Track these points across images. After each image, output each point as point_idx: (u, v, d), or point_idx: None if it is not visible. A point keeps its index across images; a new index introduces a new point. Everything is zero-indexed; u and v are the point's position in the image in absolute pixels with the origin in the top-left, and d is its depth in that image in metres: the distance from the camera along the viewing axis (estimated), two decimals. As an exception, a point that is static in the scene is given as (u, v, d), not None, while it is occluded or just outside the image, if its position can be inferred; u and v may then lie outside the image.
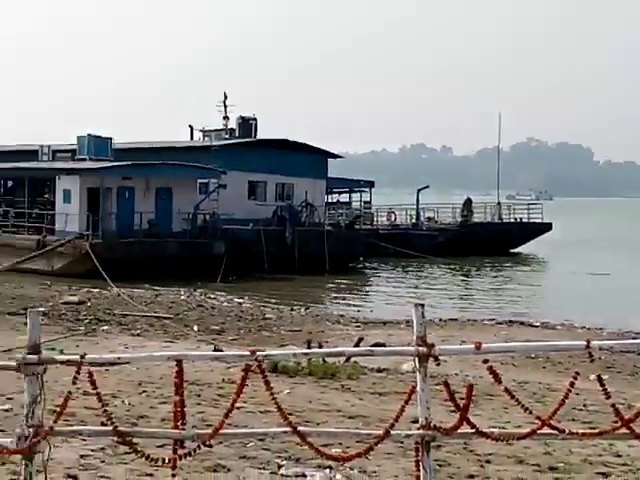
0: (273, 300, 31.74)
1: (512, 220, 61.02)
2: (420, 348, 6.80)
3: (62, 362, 6.60)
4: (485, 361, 6.85)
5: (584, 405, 12.26)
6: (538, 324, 26.10)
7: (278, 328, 23.60)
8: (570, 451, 9.49)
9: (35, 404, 6.41)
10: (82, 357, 6.47)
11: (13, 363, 6.56)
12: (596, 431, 7.18)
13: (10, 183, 48.44)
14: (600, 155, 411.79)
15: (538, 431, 6.88)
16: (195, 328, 22.62)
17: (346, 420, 11.01)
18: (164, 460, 6.68)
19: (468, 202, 59.74)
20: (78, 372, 6.40)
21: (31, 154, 46.53)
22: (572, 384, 6.84)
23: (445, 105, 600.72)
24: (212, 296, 31.59)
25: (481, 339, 7.91)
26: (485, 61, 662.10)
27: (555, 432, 6.91)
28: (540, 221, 60.66)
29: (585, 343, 6.84)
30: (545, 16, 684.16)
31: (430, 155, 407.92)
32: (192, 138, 52.43)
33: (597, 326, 25.59)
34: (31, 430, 6.42)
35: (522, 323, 26.41)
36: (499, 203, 62.18)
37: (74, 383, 6.38)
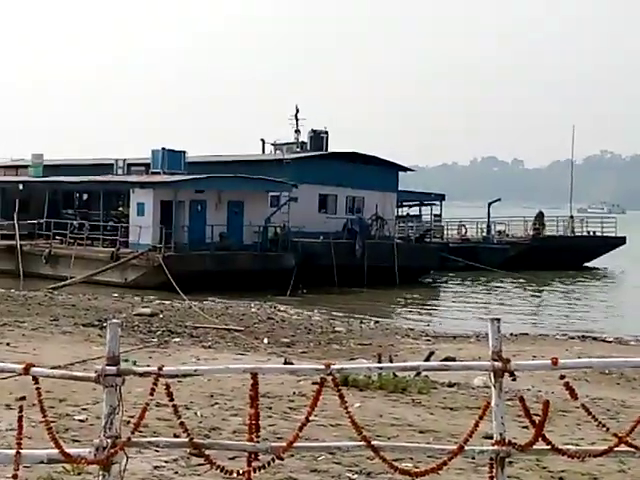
0: (342, 313, 31.76)
1: (585, 234, 60.23)
2: (496, 363, 6.76)
3: (141, 374, 6.70)
4: (562, 377, 6.78)
5: (660, 423, 12.01)
6: (612, 339, 25.68)
7: (348, 341, 23.58)
8: (646, 469, 9.32)
9: (113, 415, 6.51)
10: (160, 369, 6.55)
11: (92, 374, 6.66)
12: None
13: (85, 196, 49.33)
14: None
15: (615, 448, 6.79)
16: (265, 341, 22.72)
17: (417, 435, 10.96)
18: (239, 472, 6.73)
19: (540, 215, 59.19)
20: (155, 384, 6.49)
21: (106, 167, 47.33)
22: (650, 401, 6.74)
23: (517, 118, 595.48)
24: (282, 309, 31.71)
25: (553, 354, 7.84)
26: (557, 74, 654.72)
27: (632, 450, 6.80)
28: (614, 235, 59.78)
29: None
30: (615, 32, 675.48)
31: (501, 168, 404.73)
32: (264, 151, 52.89)
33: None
34: (109, 441, 6.52)
35: (595, 338, 26.00)
36: (572, 216, 61.44)
37: (152, 394, 6.47)
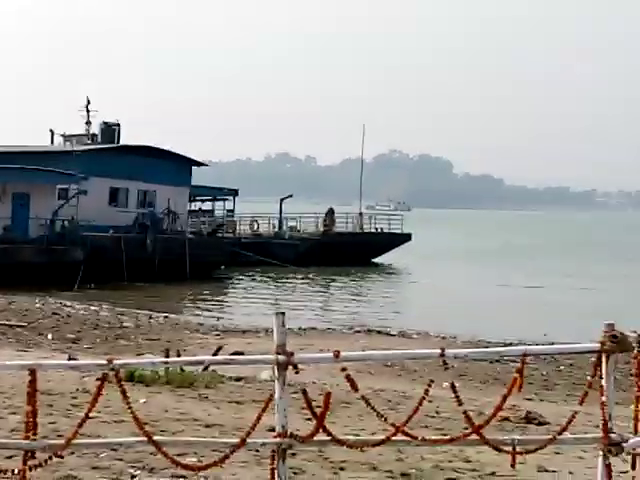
0: (131, 308, 31.30)
1: (373, 230, 61.99)
2: (279, 356, 6.82)
3: None
4: (343, 369, 6.92)
5: (437, 412, 12.51)
6: (395, 333, 26.55)
7: (136, 336, 23.28)
8: (422, 457, 9.66)
9: None
10: None
11: None
12: (448, 437, 7.34)
13: None
14: (459, 168, 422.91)
15: (392, 438, 6.98)
16: (49, 337, 22.10)
17: (203, 429, 10.94)
18: (13, 471, 6.50)
19: (330, 212, 60.41)
20: None
21: None
22: (427, 391, 6.97)
23: (308, 117, 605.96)
24: (68, 304, 30.92)
25: (340, 348, 7.99)
26: (346, 73, 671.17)
27: (408, 439, 7.02)
28: (400, 231, 61.87)
29: (440, 351, 6.98)
30: (402, 32, 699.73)
31: (294, 164, 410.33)
32: (53, 143, 51.45)
33: (451, 335, 26.18)
34: None
35: (380, 332, 26.80)
36: (361, 213, 63.07)
37: None
